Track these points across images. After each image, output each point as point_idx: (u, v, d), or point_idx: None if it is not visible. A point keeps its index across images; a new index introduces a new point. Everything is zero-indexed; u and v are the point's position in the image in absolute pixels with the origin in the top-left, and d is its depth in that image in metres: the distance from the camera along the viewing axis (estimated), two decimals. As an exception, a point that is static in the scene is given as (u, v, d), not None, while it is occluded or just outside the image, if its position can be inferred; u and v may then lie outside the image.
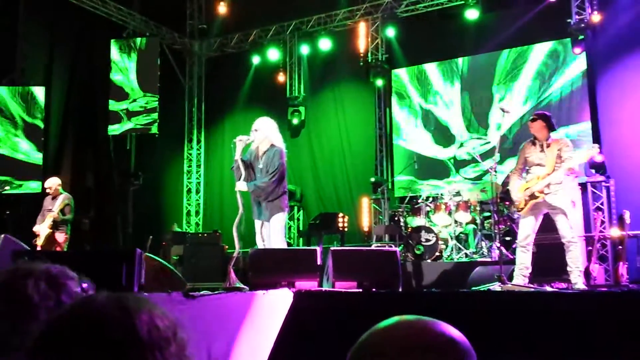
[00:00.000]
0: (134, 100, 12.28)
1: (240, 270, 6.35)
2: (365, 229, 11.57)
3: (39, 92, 11.12)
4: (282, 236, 6.08)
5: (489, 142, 11.00)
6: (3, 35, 11.03)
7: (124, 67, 12.36)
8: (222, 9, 13.38)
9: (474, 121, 11.45)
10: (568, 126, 10.22)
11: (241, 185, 6.06)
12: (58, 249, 8.32)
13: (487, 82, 11.39)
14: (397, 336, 0.94)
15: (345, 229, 10.15)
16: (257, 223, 6.16)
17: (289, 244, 11.64)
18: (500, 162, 9.18)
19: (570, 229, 5.92)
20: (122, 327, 0.89)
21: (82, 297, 0.99)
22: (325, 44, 12.62)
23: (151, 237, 11.00)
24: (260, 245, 6.11)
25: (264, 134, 6.12)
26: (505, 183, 7.49)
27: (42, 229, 8.41)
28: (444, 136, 11.69)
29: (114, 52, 12.38)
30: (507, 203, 7.91)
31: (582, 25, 10.23)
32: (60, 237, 8.53)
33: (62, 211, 8.52)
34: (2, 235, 5.18)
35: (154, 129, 12.26)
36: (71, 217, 8.68)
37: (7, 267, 2.08)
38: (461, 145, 11.44)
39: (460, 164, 11.35)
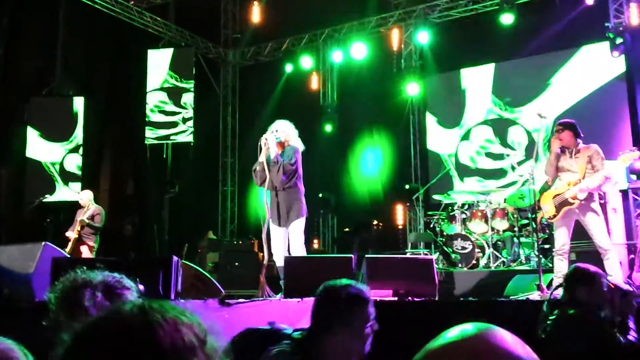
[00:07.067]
0: (169, 110, 12.43)
1: (270, 278, 6.35)
2: (400, 236, 11.49)
3: (78, 102, 11.32)
4: (302, 242, 6.14)
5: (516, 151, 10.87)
6: (43, 47, 11.29)
7: (160, 76, 12.52)
8: (255, 18, 13.46)
9: (505, 129, 11.33)
10: (607, 130, 9.98)
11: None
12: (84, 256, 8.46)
13: (518, 88, 11.24)
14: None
15: (380, 237, 10.09)
16: (276, 230, 6.18)
17: (323, 251, 11.67)
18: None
19: (605, 235, 5.78)
20: (144, 339, 0.87)
21: (110, 308, 0.98)
22: (358, 51, 12.60)
23: (187, 244, 11.11)
24: (275, 253, 6.14)
25: (284, 134, 6.24)
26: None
27: (71, 234, 8.62)
28: (476, 143, 11.58)
29: (150, 62, 12.57)
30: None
31: (621, 28, 10.02)
32: (88, 244, 8.70)
33: (92, 218, 8.71)
34: (43, 243, 5.27)
35: (189, 138, 12.39)
36: (100, 226, 8.85)
37: (66, 276, 2.10)
38: (493, 155, 11.34)
39: (491, 171, 11.25)
